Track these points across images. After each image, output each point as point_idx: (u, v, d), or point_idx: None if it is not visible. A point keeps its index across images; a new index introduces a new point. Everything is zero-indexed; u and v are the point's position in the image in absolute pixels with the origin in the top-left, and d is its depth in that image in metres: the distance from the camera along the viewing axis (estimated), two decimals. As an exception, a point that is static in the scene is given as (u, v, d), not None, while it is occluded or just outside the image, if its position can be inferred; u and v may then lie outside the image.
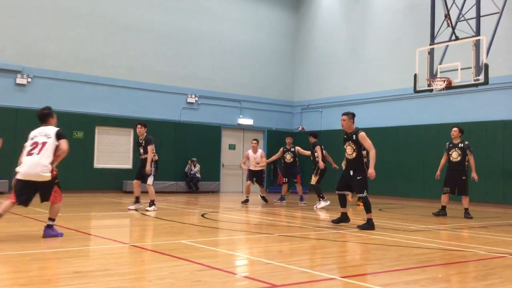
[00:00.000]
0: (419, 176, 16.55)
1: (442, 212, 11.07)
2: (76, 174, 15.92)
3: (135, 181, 11.04)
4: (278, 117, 21.34)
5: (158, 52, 18.32)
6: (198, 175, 18.25)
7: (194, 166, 18.23)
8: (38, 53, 16.03)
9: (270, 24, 21.29)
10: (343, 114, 8.61)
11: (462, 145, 10.92)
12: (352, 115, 8.60)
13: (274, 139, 20.40)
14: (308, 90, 21.35)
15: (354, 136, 8.41)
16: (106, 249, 6.17)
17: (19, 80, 15.64)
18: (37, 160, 6.37)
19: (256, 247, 6.67)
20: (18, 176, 6.43)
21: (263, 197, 13.73)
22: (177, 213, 10.67)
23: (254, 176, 13.52)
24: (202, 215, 10.08)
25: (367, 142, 8.34)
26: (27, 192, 6.43)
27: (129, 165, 17.26)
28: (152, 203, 10.73)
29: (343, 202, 8.79)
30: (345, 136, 8.64)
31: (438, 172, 11.29)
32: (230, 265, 5.34)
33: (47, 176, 6.39)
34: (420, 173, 16.47)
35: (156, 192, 14.62)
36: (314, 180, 12.90)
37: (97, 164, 16.84)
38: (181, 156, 18.36)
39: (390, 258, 5.69)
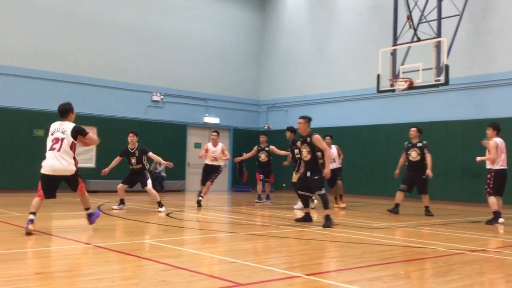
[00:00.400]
0: (381, 175, 16.85)
1: (395, 210, 11.15)
2: (37, 173, 15.51)
3: (120, 185, 11.03)
4: (244, 116, 21.35)
5: (123, 49, 18.04)
6: (163, 174, 18.08)
7: (160, 165, 18.05)
8: (-3, 48, 15.56)
9: (236, 23, 21.28)
10: (300, 118, 8.91)
11: (420, 144, 11.14)
12: (308, 119, 8.88)
13: (240, 138, 20.40)
14: (274, 89, 21.45)
15: (308, 138, 8.64)
16: (68, 250, 6.05)
17: (-23, 76, 15.16)
18: (60, 155, 6.91)
19: (221, 246, 6.67)
20: (44, 171, 6.99)
21: (198, 201, 12.12)
22: (142, 213, 10.54)
23: (208, 175, 12.24)
24: (167, 215, 10.00)
25: (321, 143, 8.57)
26: (54, 186, 7.11)
27: (92, 164, 16.95)
28: (160, 204, 10.54)
29: (305, 202, 9.08)
30: (301, 139, 8.88)
31: (397, 171, 11.44)
32: (195, 264, 5.32)
33: (72, 169, 7.05)
34: (382, 172, 16.77)
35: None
36: (295, 177, 11.95)
37: (59, 163, 16.46)
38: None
39: (354, 256, 5.78)
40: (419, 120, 15.95)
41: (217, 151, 12.40)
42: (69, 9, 16.92)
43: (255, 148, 13.79)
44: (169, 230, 7.98)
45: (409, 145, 11.30)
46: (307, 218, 8.95)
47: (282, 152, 13.39)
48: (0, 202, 11.43)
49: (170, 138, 18.94)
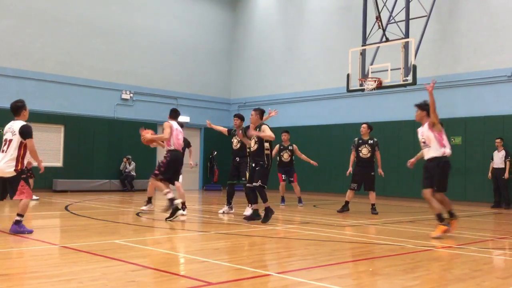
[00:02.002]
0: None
1: (345, 208, 11.12)
2: (2, 172, 15.17)
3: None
4: (215, 114, 21.26)
5: (91, 47, 17.73)
6: (133, 173, 17.86)
7: (129, 164, 17.83)
8: (-41, 44, 15.10)
9: (207, 21, 21.18)
10: (252, 110, 9.07)
11: (371, 141, 11.13)
12: (260, 111, 8.97)
13: (210, 137, 20.31)
14: (245, 87, 21.45)
15: (258, 129, 8.75)
16: (34, 251, 5.92)
17: None
18: (2, 157, 6.72)
19: (192, 245, 6.64)
20: None
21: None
22: (111, 212, 10.40)
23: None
24: (137, 214, 9.90)
25: (267, 132, 8.53)
26: (1, 187, 6.83)
27: (59, 163, 16.63)
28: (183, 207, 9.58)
29: (252, 198, 8.83)
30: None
31: (350, 169, 11.38)
32: (165, 264, 5.27)
33: (9, 172, 6.69)
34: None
35: (89, 191, 14.25)
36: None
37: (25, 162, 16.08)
38: (115, 154, 17.90)
39: (324, 253, 5.83)
40: (388, 119, 16.20)
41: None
42: (37, 4, 16.52)
43: (277, 146, 12.65)
44: (139, 230, 7.89)
45: (360, 141, 11.26)
46: (255, 215, 8.79)
47: (304, 157, 12.80)
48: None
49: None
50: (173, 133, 9.36)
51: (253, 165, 8.70)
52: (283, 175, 12.81)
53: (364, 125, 11.32)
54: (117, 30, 18.39)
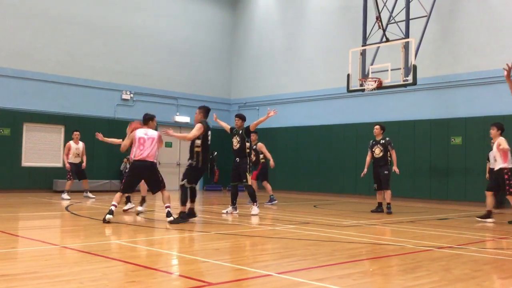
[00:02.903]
0: (351, 173, 17.03)
1: (379, 209, 11.38)
2: (2, 173, 15.20)
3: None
4: (216, 114, 21.23)
5: (91, 47, 17.74)
6: (133, 173, 17.84)
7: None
8: (-40, 45, 15.11)
9: (207, 21, 21.18)
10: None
11: (383, 141, 11.38)
12: (203, 109, 8.95)
13: (211, 136, 20.27)
14: (245, 87, 21.45)
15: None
16: (35, 251, 5.92)
17: None
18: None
19: (192, 246, 6.64)
20: None
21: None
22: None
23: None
24: (137, 214, 9.89)
25: (193, 130, 8.62)
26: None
27: (59, 164, 16.63)
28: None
29: (192, 196, 8.72)
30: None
31: (365, 170, 11.56)
32: (165, 264, 5.27)
33: None
34: (352, 170, 16.96)
35: (89, 191, 14.26)
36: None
37: (25, 163, 16.11)
38: (115, 154, 17.78)
39: (324, 253, 5.83)
40: (388, 119, 16.19)
41: (80, 148, 13.96)
42: (37, 5, 16.54)
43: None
44: (139, 230, 7.89)
45: (373, 142, 11.57)
46: (191, 214, 8.68)
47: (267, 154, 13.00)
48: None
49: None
50: (135, 142, 8.51)
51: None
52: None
53: (377, 126, 11.62)
54: (117, 30, 18.39)
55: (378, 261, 5.58)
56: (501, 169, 9.55)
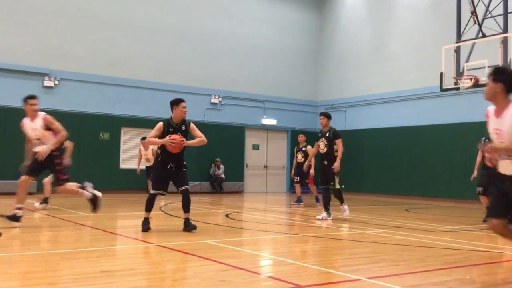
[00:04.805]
0: (445, 176, 16.28)
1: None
2: (102, 174, 16.16)
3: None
4: (302, 117, 21.27)
5: (181, 53, 18.44)
6: (222, 175, 18.33)
7: (219, 168, 18.32)
8: (64, 56, 16.30)
9: (293, 24, 21.24)
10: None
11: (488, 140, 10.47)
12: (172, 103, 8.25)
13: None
14: (332, 89, 21.24)
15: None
16: (132, 249, 6.25)
17: (47, 83, 15.94)
18: None
19: (280, 247, 6.67)
20: None
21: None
22: (202, 214, 10.71)
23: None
24: (227, 215, 10.12)
25: (195, 132, 8.37)
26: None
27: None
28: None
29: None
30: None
31: (475, 172, 10.60)
32: (254, 265, 5.34)
33: None
34: (446, 173, 16.22)
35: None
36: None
37: (123, 165, 17.07)
38: (204, 157, 18.42)
39: (417, 259, 5.62)
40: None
41: (149, 153, 14.02)
42: (131, 16, 17.49)
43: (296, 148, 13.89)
44: (229, 231, 8.06)
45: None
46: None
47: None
48: (68, 203, 11.97)
49: (229, 140, 19.15)
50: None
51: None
52: (296, 177, 13.44)
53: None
54: (205, 36, 18.95)
55: (475, 268, 5.29)
56: None
